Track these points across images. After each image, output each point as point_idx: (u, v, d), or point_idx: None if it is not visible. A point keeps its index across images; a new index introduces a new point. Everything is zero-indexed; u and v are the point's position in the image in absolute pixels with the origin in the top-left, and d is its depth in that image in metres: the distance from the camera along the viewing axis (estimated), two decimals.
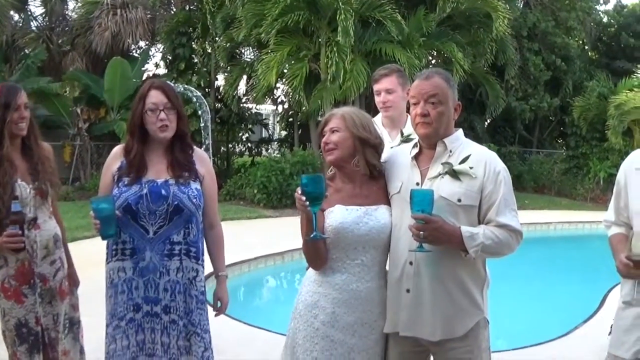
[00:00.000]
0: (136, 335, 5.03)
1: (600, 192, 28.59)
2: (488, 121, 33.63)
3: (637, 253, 4.19)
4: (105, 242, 5.00)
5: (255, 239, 17.45)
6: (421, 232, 4.12)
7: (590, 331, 9.91)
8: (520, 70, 31.12)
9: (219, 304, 5.36)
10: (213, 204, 5.34)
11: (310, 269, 4.71)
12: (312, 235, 4.35)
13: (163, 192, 4.95)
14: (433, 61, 27.97)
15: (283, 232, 16.80)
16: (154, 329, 5.02)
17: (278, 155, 27.55)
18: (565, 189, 30.18)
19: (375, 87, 6.41)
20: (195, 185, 5.10)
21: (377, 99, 6.39)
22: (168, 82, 20.72)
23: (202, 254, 5.18)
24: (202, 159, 5.32)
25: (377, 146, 4.67)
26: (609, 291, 11.94)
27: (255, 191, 23.53)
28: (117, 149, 5.20)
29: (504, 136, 34.08)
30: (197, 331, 5.09)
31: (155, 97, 5.02)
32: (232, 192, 25.11)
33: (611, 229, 4.86)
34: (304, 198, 4.27)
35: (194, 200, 5.03)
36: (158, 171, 5.05)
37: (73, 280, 5.93)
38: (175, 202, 4.94)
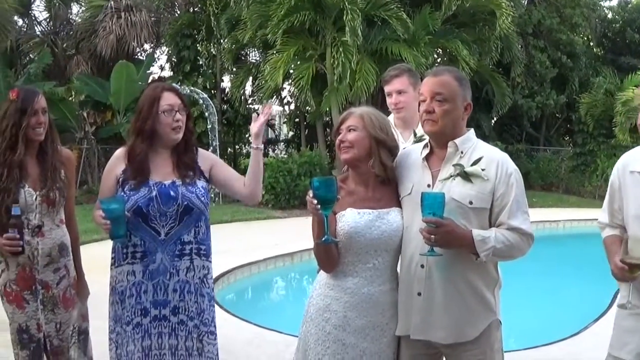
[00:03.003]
0: (142, 341, 5.03)
1: None
2: (495, 119, 33.45)
3: (632, 256, 4.18)
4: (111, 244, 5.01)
5: (265, 240, 17.44)
6: (432, 236, 4.08)
7: (601, 330, 9.82)
8: (526, 68, 31.02)
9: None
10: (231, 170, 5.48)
11: (322, 272, 4.68)
12: (323, 239, 4.31)
13: (172, 193, 4.99)
14: (439, 59, 27.91)
15: (292, 232, 16.78)
16: (161, 333, 5.04)
17: (285, 156, 27.54)
18: (573, 186, 30.09)
19: (387, 89, 6.35)
20: (201, 183, 5.15)
21: (389, 100, 6.32)
22: (174, 85, 20.84)
23: (211, 252, 5.23)
24: (205, 156, 5.37)
25: (392, 149, 4.63)
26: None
27: (264, 192, 23.37)
28: (120, 152, 5.21)
29: (510, 134, 34.00)
30: (211, 329, 5.17)
31: (170, 98, 5.08)
32: None
33: (605, 231, 4.86)
34: (315, 201, 4.23)
35: (202, 198, 5.09)
36: (164, 174, 5.08)
37: (82, 291, 5.83)
38: (185, 202, 4.99)
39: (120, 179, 5.06)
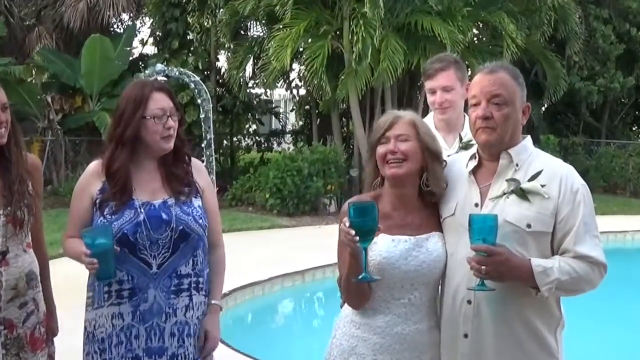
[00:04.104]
0: None
1: None
2: (545, 106, 33.31)
3: None
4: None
5: (269, 254, 17.25)
6: (483, 267, 4.06)
7: None
8: (586, 44, 30.81)
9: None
10: (216, 221, 5.32)
11: (346, 307, 4.69)
12: (360, 277, 4.27)
13: (164, 215, 4.89)
14: (480, 36, 27.79)
15: (302, 244, 16.70)
16: None
17: (293, 152, 27.49)
18: None
19: (429, 84, 6.33)
20: (197, 202, 5.07)
21: (432, 99, 6.32)
22: (159, 65, 20.68)
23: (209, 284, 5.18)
24: (199, 170, 5.29)
25: (443, 162, 4.64)
26: None
27: (267, 195, 23.49)
28: (95, 166, 5.06)
29: (565, 124, 33.84)
30: None
31: (161, 101, 4.95)
32: (238, 196, 25.16)
33: None
34: (353, 232, 4.16)
35: (200, 221, 5.01)
36: (153, 191, 5.00)
37: (52, 328, 5.67)
38: (180, 227, 4.90)
39: (98, 200, 4.95)
